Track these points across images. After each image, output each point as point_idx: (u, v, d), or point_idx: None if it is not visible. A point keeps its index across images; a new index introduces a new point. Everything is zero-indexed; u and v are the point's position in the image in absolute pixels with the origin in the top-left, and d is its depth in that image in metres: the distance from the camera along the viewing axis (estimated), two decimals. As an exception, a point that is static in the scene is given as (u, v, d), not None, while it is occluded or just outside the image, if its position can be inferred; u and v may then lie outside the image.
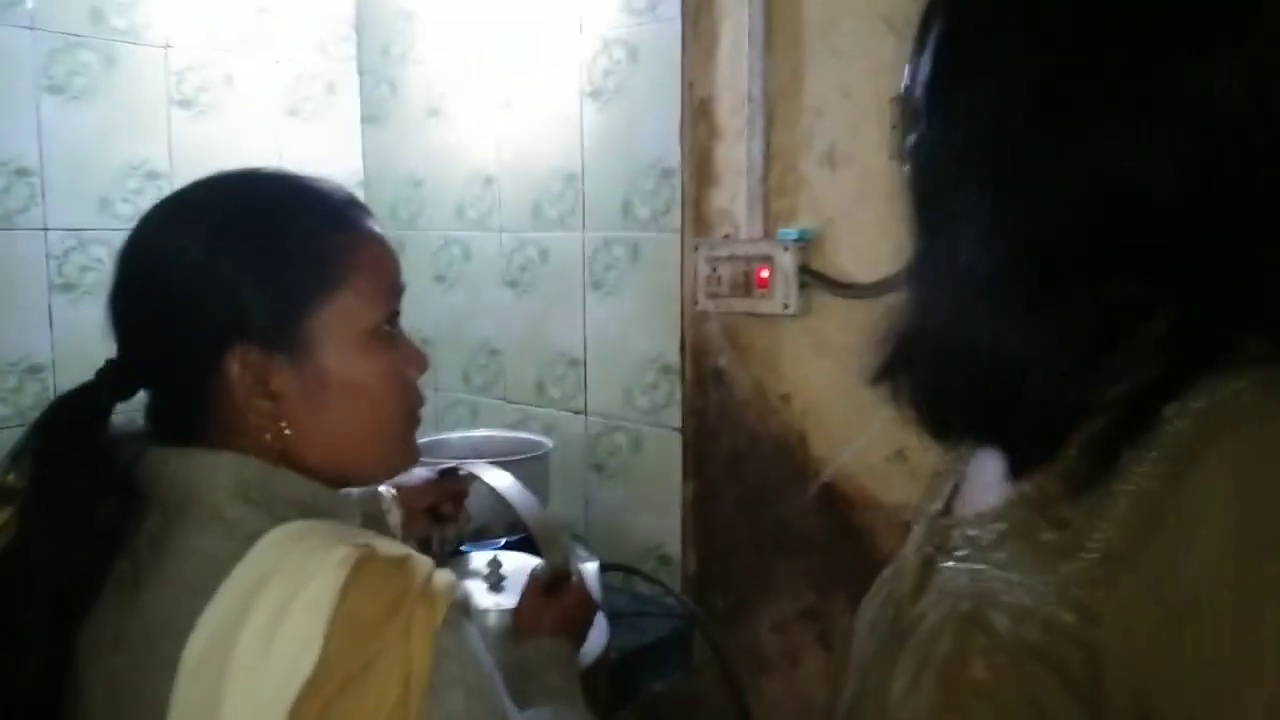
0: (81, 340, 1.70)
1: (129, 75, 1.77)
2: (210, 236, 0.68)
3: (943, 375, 0.62)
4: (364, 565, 0.62)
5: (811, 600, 1.53)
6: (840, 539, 1.48)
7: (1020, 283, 0.58)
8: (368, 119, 2.13)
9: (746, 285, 1.49)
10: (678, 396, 1.65)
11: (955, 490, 0.75)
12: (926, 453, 1.37)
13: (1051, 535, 0.56)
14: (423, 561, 0.65)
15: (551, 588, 0.98)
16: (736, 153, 1.53)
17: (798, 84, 1.46)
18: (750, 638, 1.60)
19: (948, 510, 0.73)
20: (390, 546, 0.65)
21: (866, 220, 1.41)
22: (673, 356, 1.65)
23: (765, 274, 1.46)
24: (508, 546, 1.63)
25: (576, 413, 1.82)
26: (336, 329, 0.70)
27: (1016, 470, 0.62)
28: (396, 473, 0.80)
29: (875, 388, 0.72)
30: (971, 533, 0.64)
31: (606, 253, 1.74)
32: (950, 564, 0.65)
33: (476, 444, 1.74)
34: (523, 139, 1.85)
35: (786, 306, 1.45)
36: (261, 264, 0.68)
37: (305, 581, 0.61)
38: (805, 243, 1.45)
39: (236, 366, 0.67)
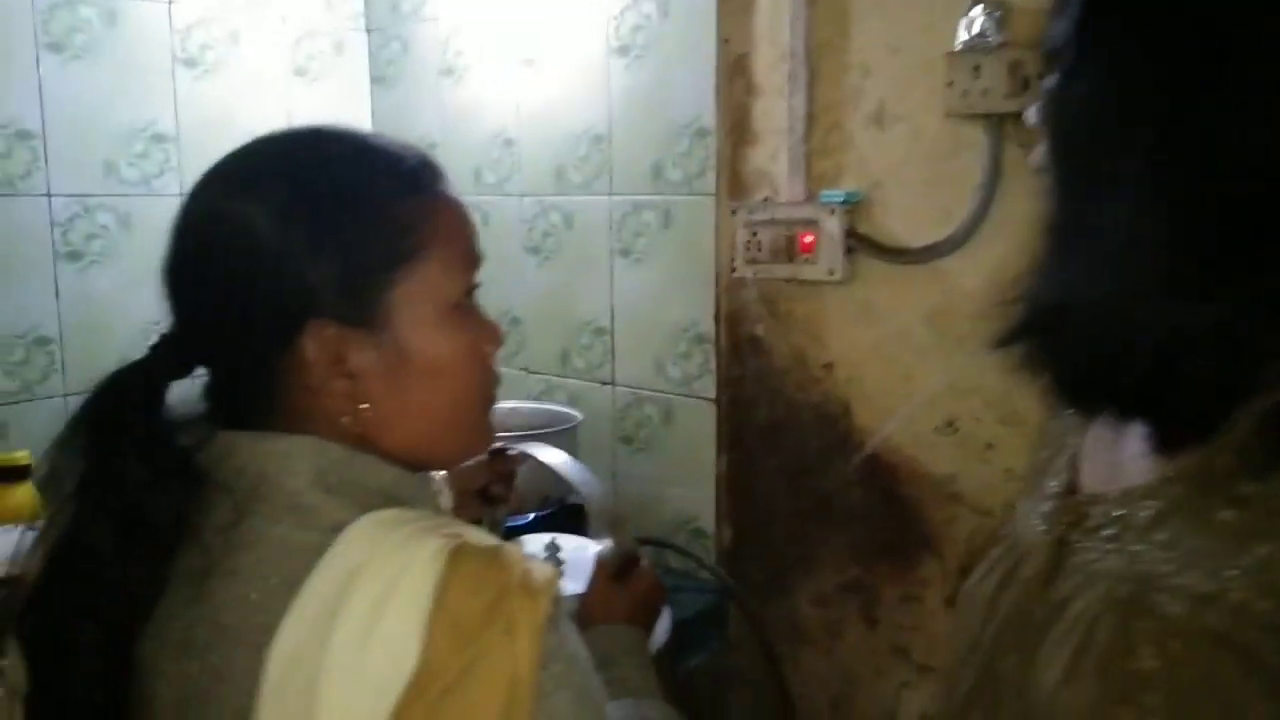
0: (90, 311, 1.63)
1: (131, 32, 1.68)
2: (279, 206, 0.62)
3: (1094, 347, 0.57)
4: (458, 557, 0.57)
5: (854, 573, 1.49)
6: (885, 511, 1.44)
7: (1191, 255, 0.53)
8: (377, 79, 2.05)
9: (789, 250, 1.43)
10: (712, 366, 1.60)
11: (1074, 466, 0.71)
12: (978, 423, 1.34)
13: (1231, 514, 0.52)
14: (516, 552, 0.60)
15: (620, 572, 0.94)
16: (776, 111, 1.47)
17: (843, 39, 1.40)
18: (788, 611, 1.57)
19: (1073, 488, 0.68)
20: (480, 536, 0.60)
21: (917, 182, 1.36)
22: (706, 325, 1.60)
23: (809, 239, 1.40)
24: (538, 521, 1.59)
25: (604, 383, 1.77)
26: (417, 302, 0.64)
27: (1167, 445, 0.58)
28: (472, 455, 0.75)
29: (997, 351, 0.68)
30: (1119, 512, 0.59)
31: (636, 217, 1.67)
32: (1094, 545, 0.60)
33: (503, 416, 1.68)
34: (545, 99, 1.77)
35: (832, 272, 1.40)
36: (336, 234, 0.62)
37: (400, 576, 0.56)
38: (851, 205, 1.39)
39: (313, 344, 0.61)
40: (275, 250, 0.61)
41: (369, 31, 2.03)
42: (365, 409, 0.63)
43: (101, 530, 0.60)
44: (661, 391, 1.68)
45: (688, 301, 1.62)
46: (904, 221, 1.38)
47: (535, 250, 1.82)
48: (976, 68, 1.25)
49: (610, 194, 1.70)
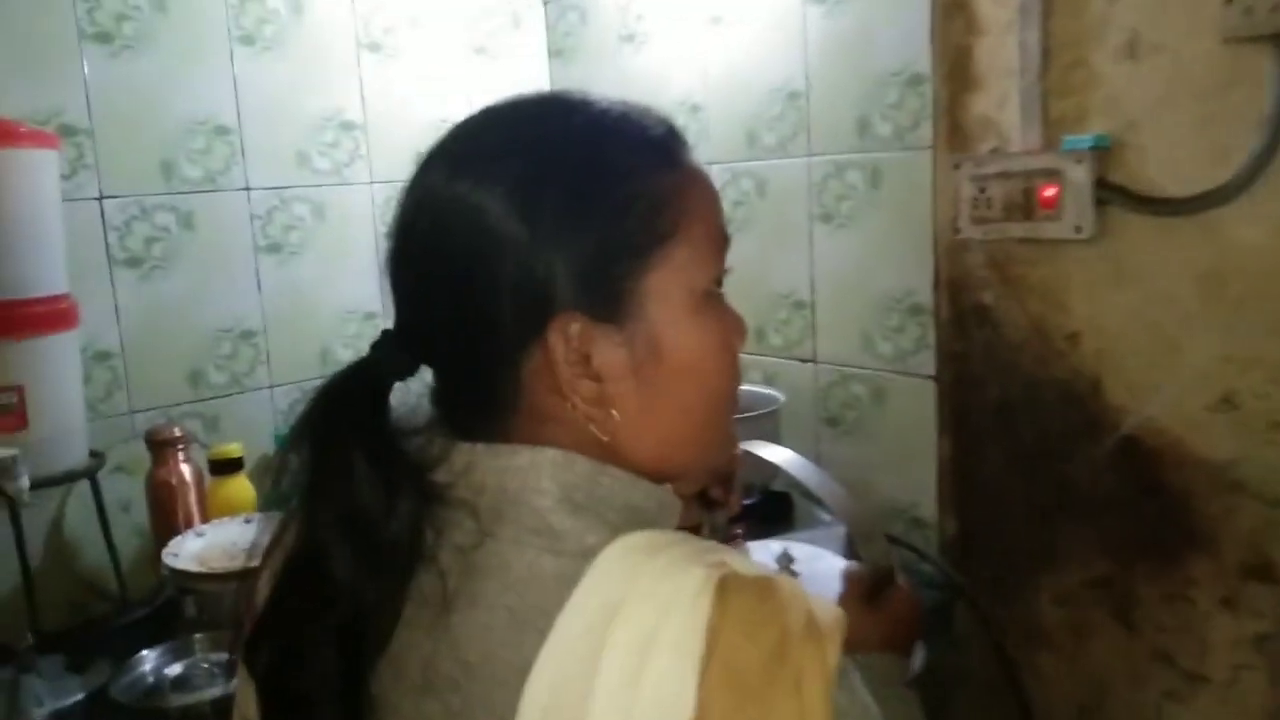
0: (291, 302, 1.65)
1: (317, 21, 1.68)
2: (514, 187, 0.53)
3: None
4: (728, 593, 0.47)
5: (1104, 569, 1.32)
6: (1144, 501, 1.26)
7: None
8: (555, 52, 1.98)
9: (1025, 206, 1.27)
10: (930, 340, 1.46)
11: None
12: (1263, 400, 1.15)
13: None
14: (790, 585, 0.50)
15: (873, 591, 0.82)
16: (1004, 49, 1.30)
17: (1086, -40, 1.22)
18: (1025, 610, 1.41)
19: None
20: (747, 564, 0.51)
21: (1182, 121, 1.17)
22: (923, 294, 1.45)
23: (1051, 192, 1.23)
24: (741, 512, 1.49)
25: (804, 361, 1.65)
26: (670, 291, 0.55)
27: None
28: (716, 463, 0.65)
29: None
30: None
31: (838, 179, 1.54)
32: None
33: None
34: (734, 58, 1.66)
35: (1079, 229, 1.22)
36: (582, 218, 0.53)
37: (665, 615, 0.47)
38: (1101, 151, 1.21)
39: (559, 341, 0.53)
40: (512, 237, 0.53)
41: (546, 4, 1.97)
42: (615, 415, 0.54)
43: (336, 552, 0.54)
44: (871, 369, 1.55)
45: (900, 269, 1.48)
46: (1166, 168, 1.19)
47: (727, 221, 1.71)
48: (1263, -21, 1.05)
49: (809, 155, 1.57)
